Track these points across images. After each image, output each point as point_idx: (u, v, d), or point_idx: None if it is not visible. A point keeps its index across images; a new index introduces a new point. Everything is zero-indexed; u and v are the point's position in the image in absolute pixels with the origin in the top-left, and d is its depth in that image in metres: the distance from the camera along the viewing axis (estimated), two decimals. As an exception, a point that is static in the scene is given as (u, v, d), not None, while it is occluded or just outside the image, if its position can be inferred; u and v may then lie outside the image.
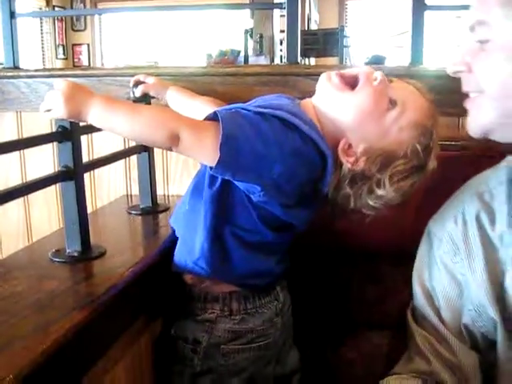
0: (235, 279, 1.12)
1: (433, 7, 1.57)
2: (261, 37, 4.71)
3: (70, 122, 1.04)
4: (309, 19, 5.76)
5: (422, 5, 1.49)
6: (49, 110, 0.98)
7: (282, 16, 4.65)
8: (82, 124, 1.06)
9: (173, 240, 1.19)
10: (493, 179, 1.02)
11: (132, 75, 1.41)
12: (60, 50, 7.66)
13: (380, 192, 1.03)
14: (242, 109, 1.00)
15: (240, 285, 1.13)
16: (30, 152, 1.69)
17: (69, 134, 1.04)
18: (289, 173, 0.97)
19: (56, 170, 1.08)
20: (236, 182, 1.02)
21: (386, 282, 1.34)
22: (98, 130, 1.05)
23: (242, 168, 0.96)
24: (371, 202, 1.04)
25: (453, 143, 1.38)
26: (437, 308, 1.04)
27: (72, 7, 7.64)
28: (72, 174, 1.05)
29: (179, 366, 1.16)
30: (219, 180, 1.04)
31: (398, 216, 1.14)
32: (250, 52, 4.96)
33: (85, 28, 7.80)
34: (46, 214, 1.74)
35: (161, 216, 1.40)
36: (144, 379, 1.14)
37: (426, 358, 1.03)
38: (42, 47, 7.44)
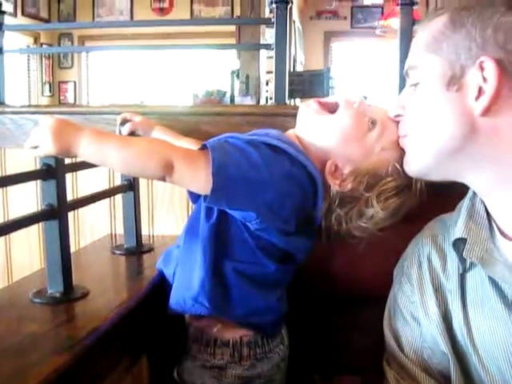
0: (237, 316, 1.09)
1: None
2: (247, 77, 4.74)
3: (56, 159, 1.03)
4: (294, 60, 5.83)
5: (409, 40, 1.50)
6: (35, 147, 0.97)
7: (268, 57, 4.70)
8: (66, 162, 1.04)
9: (158, 282, 1.17)
10: (448, 221, 1.03)
11: (118, 113, 1.40)
12: (46, 87, 7.66)
13: (369, 211, 1.04)
14: (231, 137, 1.02)
15: (244, 324, 1.10)
16: (12, 189, 1.67)
17: (53, 171, 1.02)
18: (281, 196, 0.98)
19: (39, 208, 1.06)
20: (232, 212, 1.01)
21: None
22: (83, 167, 1.04)
23: (235, 195, 0.96)
24: (362, 223, 1.05)
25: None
26: (402, 347, 1.04)
27: (60, 45, 7.68)
28: (56, 213, 1.03)
29: None
30: (215, 212, 1.04)
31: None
32: (236, 93, 4.99)
33: (71, 66, 7.82)
34: (27, 253, 1.70)
35: (145, 256, 1.38)
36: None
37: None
38: (29, 84, 7.44)
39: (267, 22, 2.07)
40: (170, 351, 1.18)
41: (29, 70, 7.33)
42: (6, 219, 1.40)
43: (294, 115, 1.40)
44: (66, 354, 0.84)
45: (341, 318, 1.35)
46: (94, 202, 1.19)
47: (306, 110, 1.08)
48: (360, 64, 7.29)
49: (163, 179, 0.97)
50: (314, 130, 1.07)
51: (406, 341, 1.04)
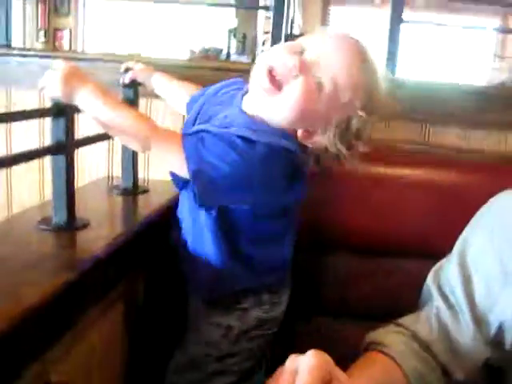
0: (259, 278, 1.22)
1: (408, 21, 1.66)
2: (244, 37, 4.78)
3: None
4: (292, 22, 5.85)
5: (399, 19, 1.58)
6: (44, 88, 1.06)
7: (267, 18, 4.73)
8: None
9: (154, 219, 1.29)
10: None
11: (119, 62, 1.48)
12: (41, 33, 7.61)
13: (354, 148, 1.09)
14: (203, 131, 1.05)
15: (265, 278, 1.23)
16: (15, 129, 1.75)
17: (63, 110, 1.11)
18: (267, 181, 1.05)
19: (40, 146, 1.15)
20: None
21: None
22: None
23: (222, 194, 1.05)
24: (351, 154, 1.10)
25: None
26: (470, 290, 1.03)
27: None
28: (64, 148, 1.12)
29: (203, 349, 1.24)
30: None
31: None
32: (233, 51, 5.03)
33: (68, 13, 7.76)
34: (26, 189, 1.79)
35: (141, 197, 1.47)
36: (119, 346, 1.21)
37: (429, 328, 1.05)
38: (24, 29, 7.38)
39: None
40: (164, 283, 1.31)
41: (24, 15, 7.26)
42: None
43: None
44: (65, 274, 0.92)
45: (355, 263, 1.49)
46: (99, 141, 1.27)
47: (258, 90, 1.07)
48: (357, 31, 7.29)
49: (143, 152, 1.12)
50: (270, 111, 1.06)
51: (483, 285, 1.02)
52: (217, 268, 1.18)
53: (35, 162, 1.62)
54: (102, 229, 1.19)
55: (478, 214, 1.12)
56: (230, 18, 5.57)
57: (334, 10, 7.49)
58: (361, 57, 1.06)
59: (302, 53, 1.04)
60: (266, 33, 4.82)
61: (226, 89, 1.24)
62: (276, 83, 1.03)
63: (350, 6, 7.38)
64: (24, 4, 7.20)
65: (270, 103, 1.05)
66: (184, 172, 1.03)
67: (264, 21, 4.87)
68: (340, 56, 1.04)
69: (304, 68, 1.02)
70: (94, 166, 1.75)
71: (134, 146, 1.13)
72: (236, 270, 1.19)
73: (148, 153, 1.08)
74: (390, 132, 1.60)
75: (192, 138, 1.05)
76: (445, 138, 1.65)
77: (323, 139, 1.08)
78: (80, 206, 1.20)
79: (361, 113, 1.05)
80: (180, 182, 1.18)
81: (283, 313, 1.28)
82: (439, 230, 1.42)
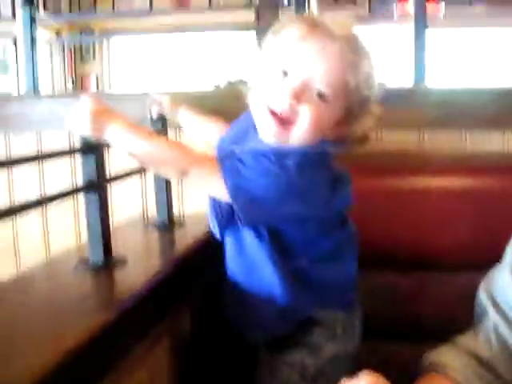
0: (328, 300, 1.14)
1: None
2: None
3: (95, 137, 1.10)
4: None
5: (424, 25, 1.55)
6: (73, 125, 1.05)
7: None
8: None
9: (193, 250, 1.26)
10: None
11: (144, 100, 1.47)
12: (69, 80, 7.77)
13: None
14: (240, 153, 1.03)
15: (336, 303, 1.15)
16: (46, 172, 1.75)
17: (94, 146, 1.09)
18: (308, 187, 1.02)
19: (73, 186, 1.14)
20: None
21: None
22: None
23: (266, 208, 1.01)
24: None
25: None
26: None
27: (81, 40, 7.81)
28: (96, 186, 1.10)
29: None
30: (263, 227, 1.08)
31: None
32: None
33: (93, 59, 7.93)
34: (62, 231, 1.79)
35: (177, 231, 1.44)
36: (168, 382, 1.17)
37: (490, 347, 1.00)
38: (52, 78, 7.55)
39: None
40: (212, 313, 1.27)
41: (52, 65, 7.43)
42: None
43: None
44: (105, 314, 0.90)
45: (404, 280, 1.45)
46: (130, 176, 1.26)
47: (269, 132, 1.05)
48: (379, 49, 7.25)
49: (179, 180, 1.12)
50: (290, 141, 1.04)
51: None
52: (279, 299, 1.11)
53: (70, 206, 1.62)
54: (139, 266, 1.17)
55: None
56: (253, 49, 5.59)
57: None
58: (341, 45, 1.02)
59: (285, 74, 1.02)
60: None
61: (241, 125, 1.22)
62: (284, 121, 1.02)
63: (370, 24, 7.36)
64: (51, 55, 7.39)
65: (287, 136, 1.03)
66: (225, 193, 1.00)
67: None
68: (322, 58, 1.01)
69: (300, 97, 1.00)
70: (128, 203, 1.73)
71: (170, 174, 1.09)
72: (300, 296, 1.11)
73: (185, 179, 1.04)
74: (427, 143, 1.56)
75: (227, 158, 1.03)
76: (485, 144, 1.59)
77: (348, 128, 1.08)
78: (116, 244, 1.18)
79: (366, 91, 1.05)
80: (221, 228, 1.15)
81: (357, 348, 1.19)
82: (486, 239, 1.38)
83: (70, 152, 1.13)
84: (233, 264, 1.18)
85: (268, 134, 1.05)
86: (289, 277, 1.10)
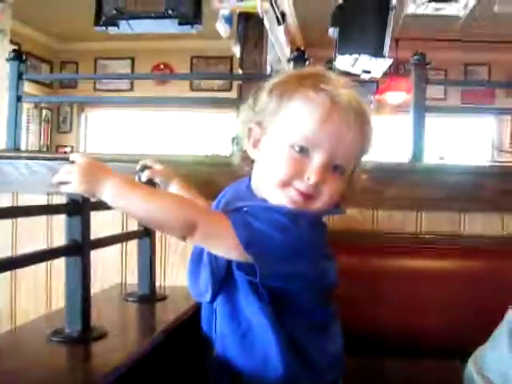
0: (321, 376, 1.08)
1: (433, 109, 1.63)
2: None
3: (82, 197, 1.02)
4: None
5: (423, 106, 1.56)
6: (62, 183, 0.97)
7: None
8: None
9: (175, 326, 1.15)
10: None
11: (138, 162, 1.40)
12: (44, 150, 7.72)
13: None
14: (244, 207, 1.02)
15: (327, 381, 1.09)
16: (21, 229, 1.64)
17: (80, 207, 1.01)
18: (314, 246, 1.02)
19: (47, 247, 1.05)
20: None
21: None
22: (108, 207, 1.03)
23: (279, 261, 0.97)
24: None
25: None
26: None
27: (59, 110, 7.81)
28: (80, 249, 1.01)
29: None
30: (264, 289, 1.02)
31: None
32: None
33: (70, 130, 7.91)
34: (32, 298, 1.66)
35: (159, 304, 1.34)
36: None
37: None
38: (26, 148, 7.50)
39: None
40: None
41: (28, 133, 7.38)
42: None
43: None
44: None
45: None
46: (116, 243, 1.18)
47: (289, 201, 1.02)
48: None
49: (183, 239, 0.98)
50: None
51: None
52: (274, 368, 1.02)
53: (41, 267, 1.52)
54: (120, 339, 1.06)
55: None
56: (232, 125, 5.64)
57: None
58: (361, 121, 1.03)
59: (307, 153, 1.01)
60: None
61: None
62: (308, 197, 1.01)
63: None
64: (27, 123, 7.35)
65: (307, 208, 1.02)
66: (236, 246, 0.95)
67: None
68: (347, 137, 1.01)
69: (324, 175, 1.00)
70: (107, 272, 1.62)
71: (177, 231, 0.99)
72: (294, 368, 1.03)
73: (192, 236, 0.96)
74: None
75: (237, 213, 0.99)
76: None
77: (349, 191, 1.09)
78: (94, 314, 1.08)
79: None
80: (215, 286, 1.06)
81: None
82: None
83: (54, 210, 1.04)
84: (224, 328, 1.08)
85: (288, 205, 1.01)
86: (285, 344, 1.02)
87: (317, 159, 1.00)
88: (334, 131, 1.00)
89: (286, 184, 1.01)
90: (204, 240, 0.99)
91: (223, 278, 1.05)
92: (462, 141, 6.80)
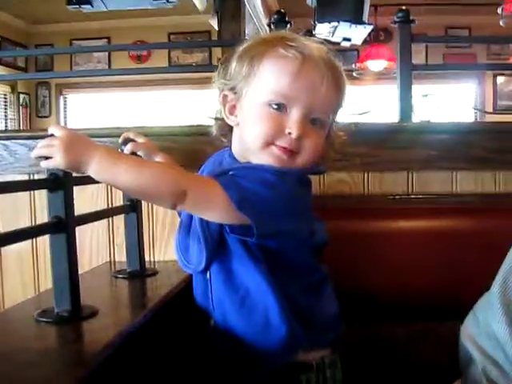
0: (318, 337, 1.07)
1: (419, 67, 1.60)
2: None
3: (63, 171, 0.97)
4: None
5: (409, 64, 1.52)
6: (43, 158, 0.92)
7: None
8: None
9: (168, 299, 1.12)
10: None
11: (118, 135, 1.36)
12: (23, 135, 7.61)
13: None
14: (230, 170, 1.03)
15: (324, 343, 1.09)
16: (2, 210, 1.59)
17: (61, 182, 0.97)
18: (303, 204, 1.03)
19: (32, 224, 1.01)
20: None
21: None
22: (91, 181, 0.99)
23: (274, 218, 0.96)
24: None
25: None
26: None
27: (37, 94, 7.67)
28: (64, 226, 0.97)
29: None
30: (259, 250, 1.02)
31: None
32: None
33: (49, 115, 7.79)
34: (19, 285, 1.62)
35: (149, 280, 1.31)
36: None
37: None
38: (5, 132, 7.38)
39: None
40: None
41: (6, 119, 7.27)
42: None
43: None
44: (74, 372, 0.77)
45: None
46: (101, 218, 1.14)
47: (275, 159, 1.02)
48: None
49: (174, 206, 0.96)
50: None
51: None
52: (276, 329, 1.01)
53: (26, 248, 1.48)
54: (111, 317, 1.03)
55: None
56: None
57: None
58: (333, 73, 1.03)
59: (285, 109, 1.01)
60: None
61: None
62: (290, 152, 1.01)
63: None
64: (5, 108, 7.23)
65: (292, 164, 1.02)
66: (230, 209, 0.93)
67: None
68: (321, 90, 1.01)
69: (304, 129, 1.01)
70: (95, 250, 1.58)
71: (167, 200, 0.96)
72: (295, 327, 1.01)
73: (183, 203, 0.93)
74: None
75: (225, 176, 0.99)
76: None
77: (329, 147, 1.11)
78: (84, 293, 1.04)
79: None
80: (208, 255, 1.04)
81: None
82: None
83: (35, 185, 0.99)
84: (221, 297, 1.06)
85: (274, 164, 1.02)
86: (285, 305, 1.01)
87: (295, 113, 1.00)
88: (309, 84, 1.00)
89: (268, 143, 1.00)
90: (196, 206, 0.96)
91: (217, 244, 1.03)
92: (445, 106, 6.80)
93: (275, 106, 1.00)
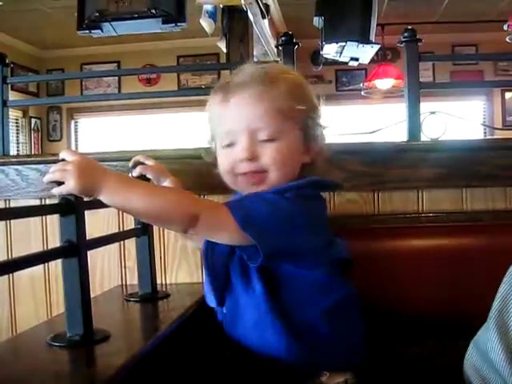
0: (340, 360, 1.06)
1: (427, 86, 1.61)
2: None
3: (75, 196, 0.98)
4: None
5: (417, 83, 1.53)
6: (55, 183, 0.93)
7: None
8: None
9: (180, 322, 1.12)
10: None
11: (128, 159, 1.37)
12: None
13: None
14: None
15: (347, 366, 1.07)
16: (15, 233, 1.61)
17: (73, 206, 0.97)
18: (309, 217, 1.02)
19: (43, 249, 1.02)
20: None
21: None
22: (102, 206, 1.00)
23: (277, 234, 0.97)
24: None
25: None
26: None
27: (48, 118, 7.74)
28: (76, 250, 0.98)
29: None
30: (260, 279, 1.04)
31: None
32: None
33: (60, 138, 7.86)
34: (32, 308, 1.62)
35: (161, 303, 1.31)
36: None
37: None
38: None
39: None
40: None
41: (18, 143, 7.33)
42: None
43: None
44: None
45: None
46: (113, 242, 1.15)
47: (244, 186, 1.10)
48: (347, 125, 7.32)
49: (185, 231, 0.98)
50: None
51: None
52: (283, 359, 1.02)
53: (38, 272, 1.49)
54: (123, 341, 1.03)
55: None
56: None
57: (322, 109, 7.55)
58: (246, 87, 1.07)
59: (234, 144, 1.08)
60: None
61: None
62: (256, 173, 1.07)
63: (337, 102, 7.46)
64: (17, 133, 7.30)
65: (266, 183, 1.07)
66: (237, 231, 0.96)
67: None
68: (238, 112, 1.07)
69: (254, 149, 1.06)
70: (107, 273, 1.59)
71: (179, 224, 0.99)
72: (307, 355, 1.02)
73: (194, 227, 0.96)
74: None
75: (231, 202, 1.03)
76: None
77: (313, 143, 1.12)
78: (96, 317, 1.04)
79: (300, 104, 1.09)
80: (217, 292, 1.08)
81: None
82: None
83: (48, 210, 1.00)
84: (231, 330, 1.10)
85: (249, 191, 1.08)
86: (294, 332, 1.01)
87: (240, 141, 1.06)
88: (236, 112, 1.07)
89: (233, 176, 1.08)
90: (207, 229, 0.99)
91: (224, 281, 1.07)
92: (454, 123, 6.78)
93: (227, 146, 1.09)
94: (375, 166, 1.51)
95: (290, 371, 1.02)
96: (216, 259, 1.07)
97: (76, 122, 7.93)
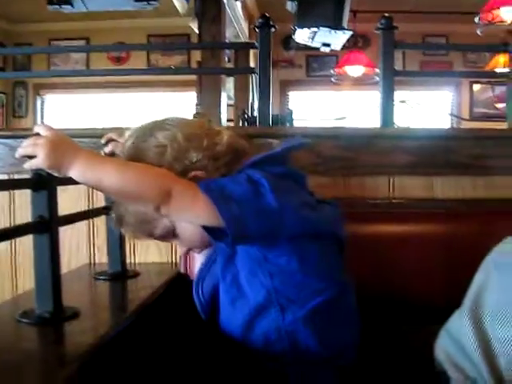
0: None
1: (401, 73, 1.62)
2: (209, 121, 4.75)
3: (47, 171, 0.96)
4: (252, 107, 5.89)
5: (392, 70, 1.54)
6: (27, 157, 0.92)
7: (229, 105, 4.70)
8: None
9: (149, 302, 1.12)
10: None
11: (99, 136, 1.34)
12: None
13: None
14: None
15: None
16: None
17: (45, 182, 0.96)
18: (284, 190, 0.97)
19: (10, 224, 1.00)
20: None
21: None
22: (74, 182, 0.98)
23: (251, 215, 0.93)
24: None
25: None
26: None
27: (14, 94, 7.59)
28: (47, 226, 0.96)
29: None
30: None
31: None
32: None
33: (26, 115, 7.71)
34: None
35: (131, 281, 1.30)
36: None
37: None
38: (-20, 133, 7.28)
39: (251, 46, 2.05)
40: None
41: (-19, 119, 7.17)
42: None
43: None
44: (57, 374, 0.77)
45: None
46: (86, 218, 1.13)
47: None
48: (314, 110, 7.34)
49: (158, 208, 0.94)
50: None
51: None
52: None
53: (3, 248, 1.46)
54: (93, 319, 1.02)
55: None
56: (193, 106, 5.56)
57: (292, 94, 7.58)
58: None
59: None
60: (229, 120, 4.79)
61: None
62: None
63: (307, 87, 7.48)
64: (-19, 108, 7.15)
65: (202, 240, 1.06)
66: (206, 208, 0.92)
67: (227, 108, 4.84)
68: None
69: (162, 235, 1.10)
70: (74, 251, 1.57)
71: (152, 200, 0.95)
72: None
73: (167, 204, 0.93)
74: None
75: (206, 180, 0.98)
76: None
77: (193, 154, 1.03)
78: (65, 295, 1.03)
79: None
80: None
81: None
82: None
83: (18, 185, 0.99)
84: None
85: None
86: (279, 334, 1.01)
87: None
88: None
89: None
90: (178, 208, 0.95)
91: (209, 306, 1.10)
92: (422, 112, 6.87)
93: None
94: (348, 150, 1.52)
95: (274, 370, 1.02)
96: (205, 289, 1.10)
97: (42, 99, 7.79)
